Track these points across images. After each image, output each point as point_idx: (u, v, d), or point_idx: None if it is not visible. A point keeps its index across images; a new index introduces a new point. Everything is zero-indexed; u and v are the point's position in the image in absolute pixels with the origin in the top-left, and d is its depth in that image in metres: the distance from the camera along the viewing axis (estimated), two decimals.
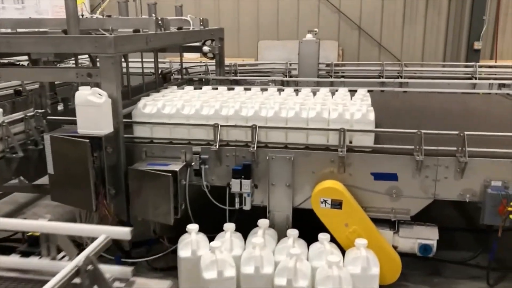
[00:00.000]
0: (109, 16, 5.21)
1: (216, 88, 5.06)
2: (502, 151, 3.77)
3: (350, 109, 4.05)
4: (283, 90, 5.00)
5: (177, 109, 4.16)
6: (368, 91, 7.24)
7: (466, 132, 3.74)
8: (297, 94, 4.80)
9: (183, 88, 5.19)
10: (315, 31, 8.75)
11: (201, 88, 5.10)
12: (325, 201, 3.80)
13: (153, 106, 4.22)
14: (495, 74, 8.45)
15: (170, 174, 3.81)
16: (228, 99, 4.40)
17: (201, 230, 4.02)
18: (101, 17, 5.07)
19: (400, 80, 7.85)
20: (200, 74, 8.39)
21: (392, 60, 10.06)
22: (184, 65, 8.54)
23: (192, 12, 7.38)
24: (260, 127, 3.99)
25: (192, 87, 5.14)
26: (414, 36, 10.25)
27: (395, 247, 3.95)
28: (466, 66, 8.81)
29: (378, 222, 3.96)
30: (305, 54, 8.53)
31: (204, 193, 4.14)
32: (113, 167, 3.88)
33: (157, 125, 4.17)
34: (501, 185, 3.73)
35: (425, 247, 3.87)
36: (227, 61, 9.09)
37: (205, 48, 7.24)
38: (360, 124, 3.95)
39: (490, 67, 8.92)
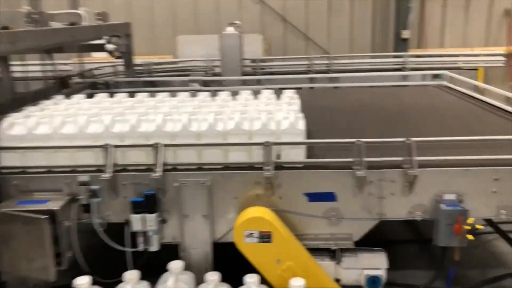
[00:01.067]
0: None
1: (113, 96, 4.14)
2: (454, 159, 3.20)
3: (276, 117, 3.31)
4: (198, 94, 4.18)
5: (55, 128, 3.21)
6: (297, 88, 6.68)
7: (413, 139, 3.13)
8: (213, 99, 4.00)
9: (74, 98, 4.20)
10: (237, 23, 8.00)
11: (92, 97, 4.15)
12: (251, 234, 3.03)
13: (22, 126, 3.24)
14: (425, 64, 8.16)
15: (45, 216, 2.89)
16: (125, 110, 3.51)
17: (103, 276, 3.15)
18: None
19: (330, 75, 7.29)
20: (109, 76, 7.38)
21: (321, 52, 9.52)
22: (91, 66, 7.50)
23: (100, 9, 6.37)
24: (165, 145, 3.16)
25: (83, 96, 4.17)
26: (341, 26, 9.78)
27: (337, 281, 3.28)
28: (396, 57, 8.47)
29: (317, 252, 3.26)
30: (227, 50, 7.78)
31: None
32: None
33: (29, 150, 3.20)
34: (455, 198, 3.17)
35: (373, 279, 3.23)
36: (140, 59, 8.15)
37: (109, 46, 6.28)
38: (288, 135, 3.22)
39: (419, 56, 8.64)
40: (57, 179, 3.19)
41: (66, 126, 3.24)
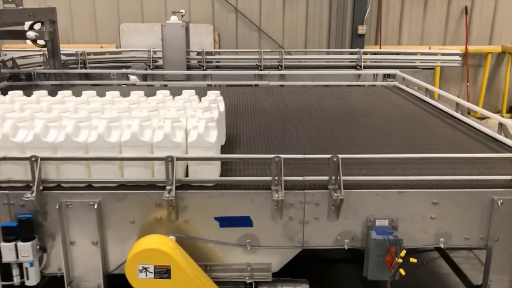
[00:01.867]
0: None
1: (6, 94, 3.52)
2: (388, 179, 2.78)
3: (184, 126, 2.80)
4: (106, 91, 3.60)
5: None
6: (246, 85, 6.18)
7: (340, 156, 2.68)
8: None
9: None
10: (182, 12, 7.41)
11: None
12: (145, 269, 2.53)
13: None
14: (380, 62, 7.80)
15: None
16: (5, 112, 2.91)
17: None
18: None
19: (278, 72, 6.84)
20: (35, 67, 6.68)
21: (274, 47, 9.04)
22: (18, 54, 6.80)
23: None
24: (43, 159, 2.60)
25: None
26: (296, 19, 9.29)
27: None
28: (351, 53, 8.07)
29: (230, 285, 2.80)
30: (170, 40, 7.20)
31: None
32: None
33: None
34: (388, 224, 2.75)
35: None
36: (80, 48, 7.49)
37: (30, 34, 5.61)
38: (197, 149, 2.72)
39: (374, 53, 8.27)
40: None
41: None
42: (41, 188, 2.61)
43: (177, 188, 2.64)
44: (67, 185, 2.67)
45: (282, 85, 6.11)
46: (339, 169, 2.64)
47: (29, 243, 2.59)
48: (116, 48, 8.70)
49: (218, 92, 3.53)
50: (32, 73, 5.93)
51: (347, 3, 8.78)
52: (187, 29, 7.39)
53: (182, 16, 7.43)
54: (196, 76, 6.81)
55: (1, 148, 2.63)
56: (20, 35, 5.69)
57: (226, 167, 2.93)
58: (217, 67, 7.59)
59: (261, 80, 6.71)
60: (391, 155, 2.95)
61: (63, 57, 7.04)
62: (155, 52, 7.53)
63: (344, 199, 2.62)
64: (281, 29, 9.28)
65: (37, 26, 5.87)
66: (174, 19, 7.25)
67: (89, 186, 2.69)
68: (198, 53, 7.49)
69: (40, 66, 6.80)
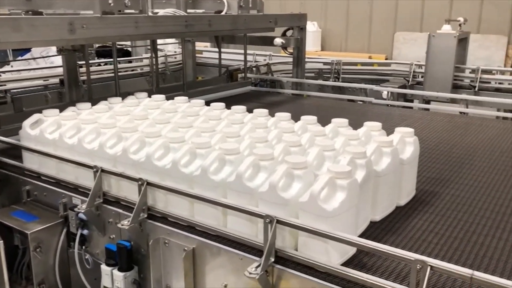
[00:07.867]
0: None
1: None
2: None
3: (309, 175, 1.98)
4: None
5: (61, 134, 2.69)
6: None
7: None
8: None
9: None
10: (459, 21, 6.10)
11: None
12: None
13: (42, 125, 2.82)
14: None
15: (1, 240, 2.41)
16: (144, 122, 2.73)
17: None
18: None
19: None
20: (279, 73, 6.70)
21: None
22: (274, 59, 7.00)
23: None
24: (150, 184, 2.26)
25: (145, 95, 3.55)
26: None
27: None
28: None
29: None
30: (436, 54, 6.08)
31: None
32: None
33: (41, 155, 2.77)
34: None
35: None
36: (342, 57, 7.20)
37: (277, 40, 5.58)
38: (306, 213, 1.86)
39: None
40: (57, 194, 2.68)
41: (68, 134, 2.68)
42: (145, 216, 2.28)
43: (278, 260, 1.88)
44: (173, 219, 2.26)
45: None
46: None
47: (121, 274, 2.30)
48: (386, 59, 7.97)
49: (410, 130, 2.47)
50: (274, 80, 5.89)
51: None
52: (462, 41, 6.04)
53: (460, 25, 6.10)
54: (459, 100, 5.52)
55: (120, 163, 2.43)
56: (270, 42, 5.71)
57: None
58: (497, 90, 5.96)
59: None
60: None
61: (320, 66, 6.87)
62: (420, 66, 6.47)
63: None
64: None
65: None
66: (446, 28, 6.03)
67: (190, 226, 2.21)
68: (472, 71, 6.04)
69: (281, 73, 6.78)
